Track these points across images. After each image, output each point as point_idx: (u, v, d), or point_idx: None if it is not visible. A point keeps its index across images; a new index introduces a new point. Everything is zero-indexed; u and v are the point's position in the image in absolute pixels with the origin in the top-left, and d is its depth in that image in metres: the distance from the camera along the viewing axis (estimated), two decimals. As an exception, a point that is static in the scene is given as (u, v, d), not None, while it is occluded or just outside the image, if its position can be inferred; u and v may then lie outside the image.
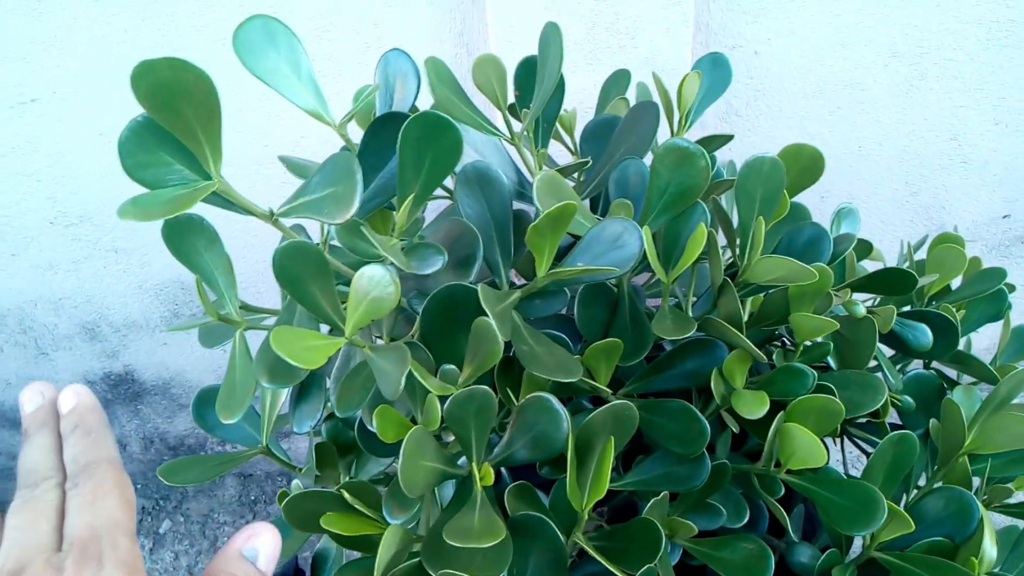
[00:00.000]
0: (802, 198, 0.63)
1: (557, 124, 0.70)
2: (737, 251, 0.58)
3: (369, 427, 0.56)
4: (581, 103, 0.85)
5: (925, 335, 0.67)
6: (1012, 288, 0.74)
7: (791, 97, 0.93)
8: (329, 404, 0.65)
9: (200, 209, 0.45)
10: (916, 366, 0.75)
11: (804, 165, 0.59)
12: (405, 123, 0.47)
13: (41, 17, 0.81)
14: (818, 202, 1.01)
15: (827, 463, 0.56)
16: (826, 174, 0.61)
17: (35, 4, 0.81)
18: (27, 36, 0.83)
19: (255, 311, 0.60)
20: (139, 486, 1.35)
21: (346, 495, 0.53)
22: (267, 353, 0.52)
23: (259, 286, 1.05)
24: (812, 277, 0.51)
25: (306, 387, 0.68)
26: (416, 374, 0.49)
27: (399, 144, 0.48)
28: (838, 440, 0.75)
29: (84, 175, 0.93)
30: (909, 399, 0.70)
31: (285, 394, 0.69)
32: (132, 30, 0.83)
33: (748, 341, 0.53)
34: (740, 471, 0.61)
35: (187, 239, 0.57)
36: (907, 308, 0.71)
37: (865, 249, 0.72)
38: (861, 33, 0.89)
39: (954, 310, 0.69)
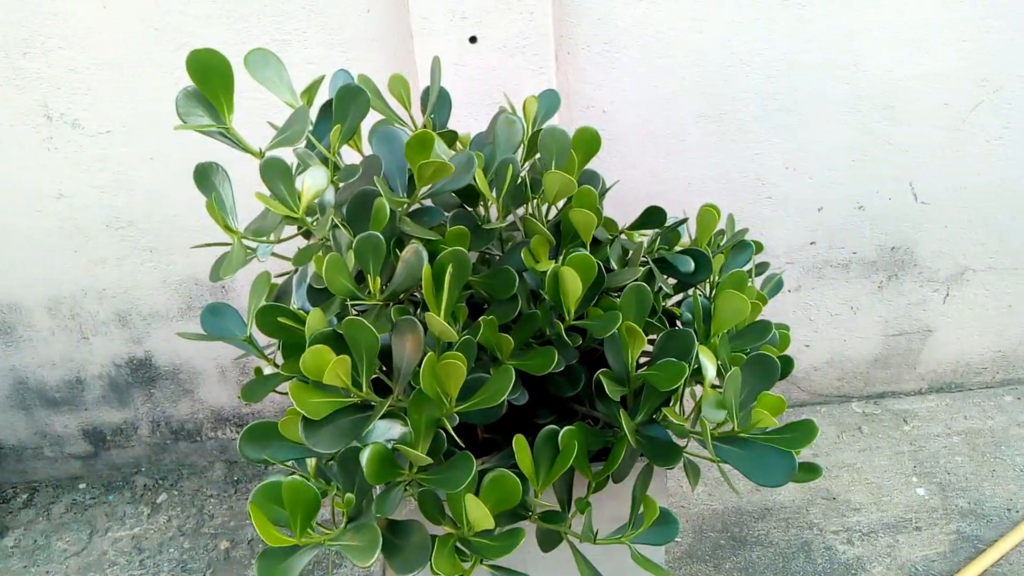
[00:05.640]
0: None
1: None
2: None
3: (315, 285, 0.91)
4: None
5: (688, 263, 1.03)
6: (760, 247, 1.10)
7: (631, 144, 1.33)
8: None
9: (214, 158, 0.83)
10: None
11: (588, 140, 0.98)
12: (338, 89, 0.87)
13: (122, 70, 1.23)
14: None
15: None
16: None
17: (120, 71, 1.23)
18: (113, 87, 1.25)
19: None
20: (143, 468, 1.64)
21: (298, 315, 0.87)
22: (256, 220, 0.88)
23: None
24: (573, 185, 0.88)
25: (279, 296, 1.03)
26: (339, 224, 0.85)
27: (334, 102, 0.87)
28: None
29: (136, 189, 1.32)
30: (688, 313, 1.04)
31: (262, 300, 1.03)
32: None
33: (543, 226, 0.89)
34: (552, 334, 0.95)
35: (208, 177, 0.94)
36: (679, 249, 1.06)
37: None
38: (675, 99, 1.30)
39: (709, 250, 1.05)
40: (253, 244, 0.94)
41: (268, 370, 1.05)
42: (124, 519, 1.55)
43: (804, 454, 1.28)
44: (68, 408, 1.55)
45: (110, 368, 1.50)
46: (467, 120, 1.27)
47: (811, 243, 1.46)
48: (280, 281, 1.04)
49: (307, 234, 0.99)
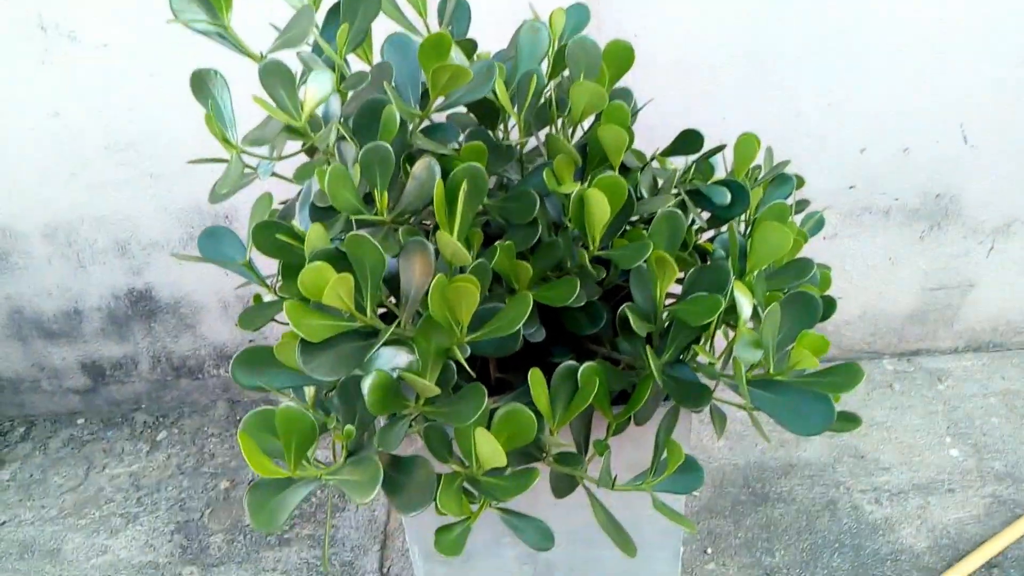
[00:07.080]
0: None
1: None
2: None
3: (318, 204, 0.83)
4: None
5: (724, 195, 0.94)
6: (802, 181, 1.02)
7: (661, 74, 1.23)
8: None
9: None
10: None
11: (620, 53, 0.89)
12: (348, -14, 0.78)
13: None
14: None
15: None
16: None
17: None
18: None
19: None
20: (143, 405, 1.59)
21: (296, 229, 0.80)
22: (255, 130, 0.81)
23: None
24: (603, 98, 0.79)
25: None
26: (344, 134, 0.77)
27: (343, 2, 0.79)
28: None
29: (136, 109, 1.24)
30: (721, 250, 0.96)
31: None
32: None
33: (568, 144, 0.81)
34: (574, 266, 0.87)
35: (205, 83, 0.86)
36: (716, 179, 0.98)
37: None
38: (713, 28, 1.20)
39: (747, 181, 0.96)
40: (253, 162, 0.87)
41: (268, 297, 0.98)
42: (122, 456, 1.50)
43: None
44: (66, 340, 1.50)
45: (109, 299, 1.44)
46: (487, 41, 1.17)
47: (851, 187, 1.37)
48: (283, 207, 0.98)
49: (311, 151, 0.92)
